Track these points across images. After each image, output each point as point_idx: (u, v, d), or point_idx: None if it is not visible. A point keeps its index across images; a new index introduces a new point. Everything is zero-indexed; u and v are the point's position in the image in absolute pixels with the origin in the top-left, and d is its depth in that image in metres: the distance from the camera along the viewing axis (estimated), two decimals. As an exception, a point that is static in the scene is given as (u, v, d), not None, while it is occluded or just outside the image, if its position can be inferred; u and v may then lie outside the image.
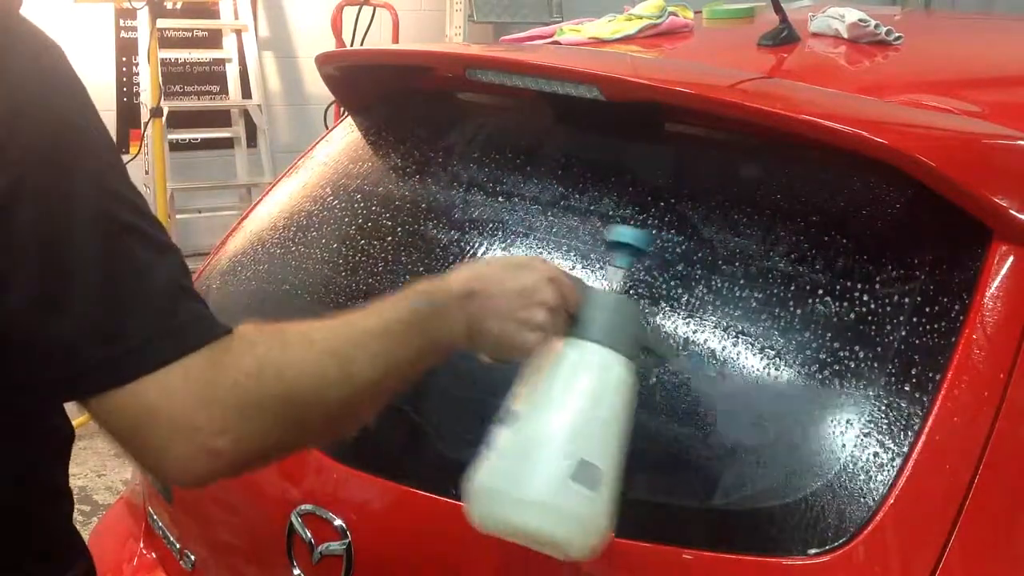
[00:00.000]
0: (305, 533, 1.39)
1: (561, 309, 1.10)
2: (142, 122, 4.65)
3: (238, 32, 5.11)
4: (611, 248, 1.18)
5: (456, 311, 1.07)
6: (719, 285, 1.28)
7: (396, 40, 4.93)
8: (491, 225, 1.51)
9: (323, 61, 1.86)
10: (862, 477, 1.11)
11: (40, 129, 0.88)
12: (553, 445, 1.07)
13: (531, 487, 1.06)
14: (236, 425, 0.90)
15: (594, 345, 1.11)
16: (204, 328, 0.93)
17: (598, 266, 1.37)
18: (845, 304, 1.20)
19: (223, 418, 0.90)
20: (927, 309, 1.17)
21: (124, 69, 4.98)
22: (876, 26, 1.85)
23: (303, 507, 1.40)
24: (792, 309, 1.23)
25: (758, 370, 1.21)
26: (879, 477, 1.10)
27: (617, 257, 1.17)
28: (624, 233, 1.17)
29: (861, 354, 1.17)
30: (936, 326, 1.15)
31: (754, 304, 1.25)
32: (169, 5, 4.96)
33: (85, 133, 0.92)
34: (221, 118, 5.21)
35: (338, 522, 1.36)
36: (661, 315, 1.29)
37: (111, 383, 0.88)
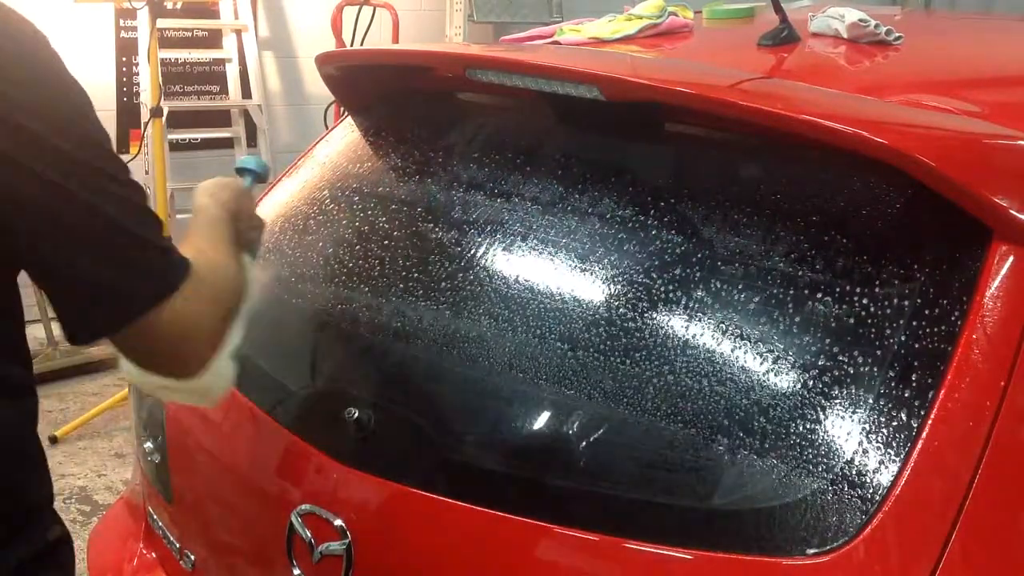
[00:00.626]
0: (305, 533, 1.39)
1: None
2: (142, 122, 4.65)
3: (238, 32, 5.11)
4: (240, 172, 1.55)
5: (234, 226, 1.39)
6: (719, 285, 1.28)
7: (396, 40, 4.93)
8: (491, 225, 1.51)
9: (323, 61, 1.87)
10: (862, 477, 1.11)
11: (41, 106, 1.11)
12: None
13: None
14: (222, 321, 1.20)
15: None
16: (185, 260, 1.18)
17: (598, 266, 1.37)
18: (845, 304, 1.20)
19: (215, 317, 1.19)
20: (927, 309, 1.17)
21: (124, 69, 4.98)
22: (876, 26, 1.85)
23: (303, 507, 1.40)
24: (792, 309, 1.23)
25: (758, 370, 1.21)
26: (879, 477, 1.10)
27: (245, 179, 1.55)
28: (248, 161, 1.58)
29: (861, 354, 1.17)
30: (936, 326, 1.15)
31: (754, 304, 1.25)
32: (169, 5, 4.96)
33: (84, 116, 1.16)
34: (221, 118, 5.21)
35: (338, 522, 1.36)
36: (661, 315, 1.30)
37: (155, 302, 1.12)
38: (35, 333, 4.44)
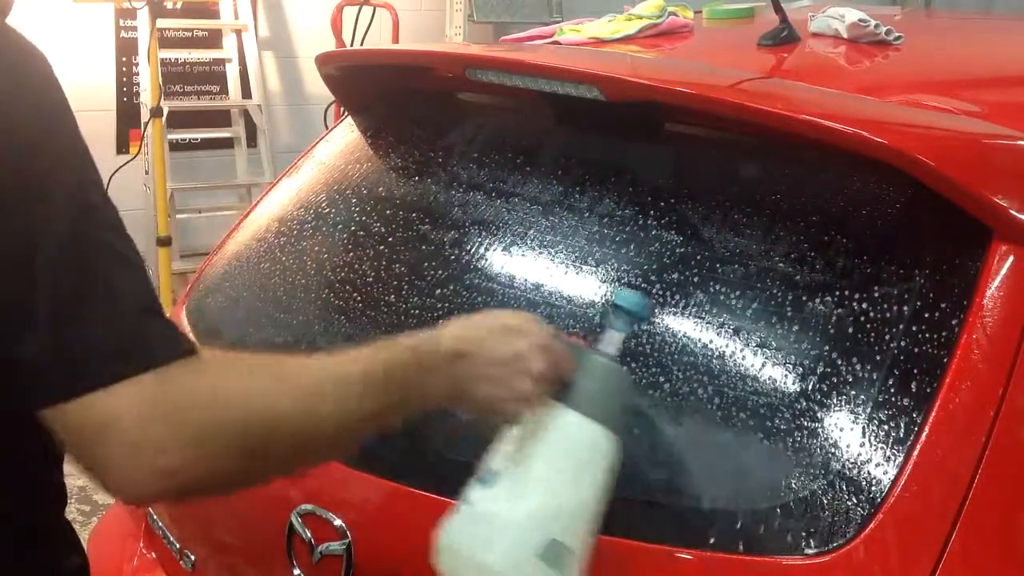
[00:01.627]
0: (305, 533, 1.39)
1: (550, 377, 1.09)
2: (142, 122, 4.65)
3: (238, 32, 5.11)
4: (613, 311, 1.16)
5: (443, 371, 1.06)
6: (719, 285, 1.28)
7: (396, 40, 4.93)
8: (491, 225, 1.51)
9: (323, 61, 1.86)
10: (862, 477, 1.11)
11: (12, 142, 0.88)
12: (525, 518, 1.06)
13: (496, 556, 1.05)
14: (186, 447, 0.89)
15: (580, 417, 1.10)
16: (165, 347, 0.92)
17: (598, 266, 1.37)
18: (845, 304, 1.20)
19: (174, 437, 0.89)
20: (927, 309, 1.17)
21: (124, 69, 4.98)
22: (876, 26, 1.85)
23: (303, 507, 1.40)
24: (792, 309, 1.23)
25: (757, 369, 1.21)
26: (879, 477, 1.10)
27: (616, 321, 1.15)
28: (626, 298, 1.16)
29: (861, 354, 1.17)
30: (936, 326, 1.15)
31: (754, 304, 1.25)
32: (169, 5, 4.96)
33: (60, 143, 0.92)
34: (221, 118, 5.20)
35: (338, 522, 1.36)
36: (660, 315, 1.29)
37: (64, 395, 0.88)
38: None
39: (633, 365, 1.27)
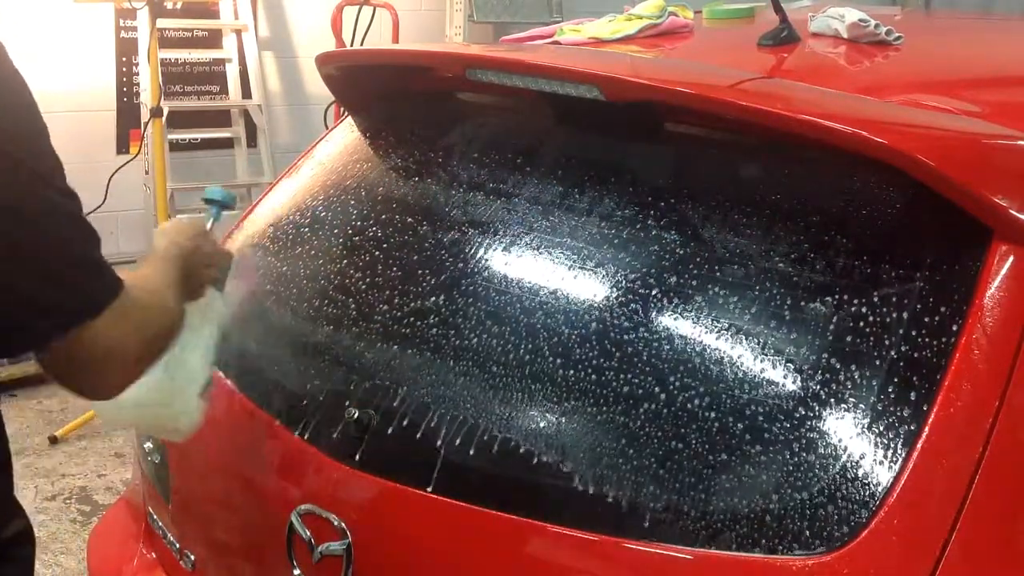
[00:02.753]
0: (305, 533, 1.39)
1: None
2: (142, 122, 4.65)
3: (238, 32, 5.11)
4: (207, 204, 1.62)
5: (178, 268, 1.39)
6: (720, 285, 1.28)
7: (396, 40, 4.93)
8: (491, 225, 1.51)
9: (323, 61, 1.87)
10: (862, 477, 1.11)
11: None
12: (196, 370, 1.48)
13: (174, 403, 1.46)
14: (142, 353, 1.22)
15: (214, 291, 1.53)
16: (115, 282, 1.17)
17: (598, 266, 1.37)
18: (845, 304, 1.20)
19: (137, 351, 1.20)
20: (927, 309, 1.17)
21: (124, 69, 4.98)
22: (876, 26, 1.85)
23: (303, 507, 1.40)
24: (793, 308, 1.23)
25: (757, 369, 1.21)
26: (879, 477, 1.10)
27: (211, 211, 1.61)
28: (214, 192, 1.63)
29: (861, 353, 1.17)
30: (936, 326, 1.15)
31: (755, 304, 1.25)
32: (169, 5, 4.95)
33: (23, 121, 1.11)
34: (221, 118, 5.20)
35: (338, 522, 1.36)
36: (661, 315, 1.30)
37: (80, 319, 1.12)
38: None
39: (633, 365, 1.27)
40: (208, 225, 1.55)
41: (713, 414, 1.20)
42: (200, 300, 1.48)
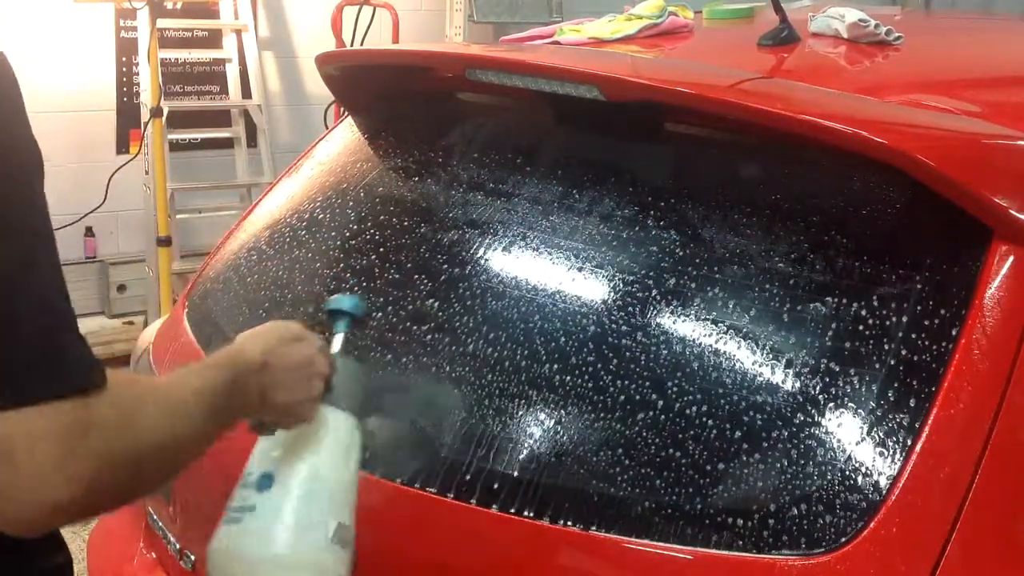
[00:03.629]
0: (305, 533, 1.39)
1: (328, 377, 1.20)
2: (142, 122, 4.64)
3: (238, 32, 5.11)
4: (330, 315, 1.29)
5: (253, 384, 1.11)
6: (720, 285, 1.28)
7: (396, 40, 4.93)
8: (491, 225, 1.51)
9: (323, 61, 1.86)
10: (862, 477, 1.11)
11: None
12: (315, 510, 1.16)
13: (289, 548, 1.14)
14: (88, 480, 0.88)
15: (342, 412, 1.22)
16: (79, 373, 0.89)
17: (597, 266, 1.37)
18: (845, 304, 1.20)
19: (76, 470, 0.87)
20: (927, 309, 1.17)
21: (124, 69, 4.98)
22: (876, 26, 1.85)
23: (303, 507, 1.40)
24: (793, 308, 1.23)
25: (757, 369, 1.21)
26: (879, 477, 1.10)
27: (338, 323, 1.29)
28: (341, 301, 1.29)
29: (861, 353, 1.17)
30: (936, 326, 1.15)
31: (755, 303, 1.25)
32: (169, 5, 4.95)
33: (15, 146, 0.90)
34: (221, 118, 5.20)
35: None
36: (661, 315, 1.29)
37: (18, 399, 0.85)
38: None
39: (633, 365, 1.27)
40: (335, 345, 1.26)
41: (713, 414, 1.20)
42: (311, 423, 1.20)
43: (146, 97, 4.57)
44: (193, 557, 1.67)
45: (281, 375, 1.13)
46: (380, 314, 1.53)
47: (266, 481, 1.18)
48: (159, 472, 0.99)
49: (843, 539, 1.08)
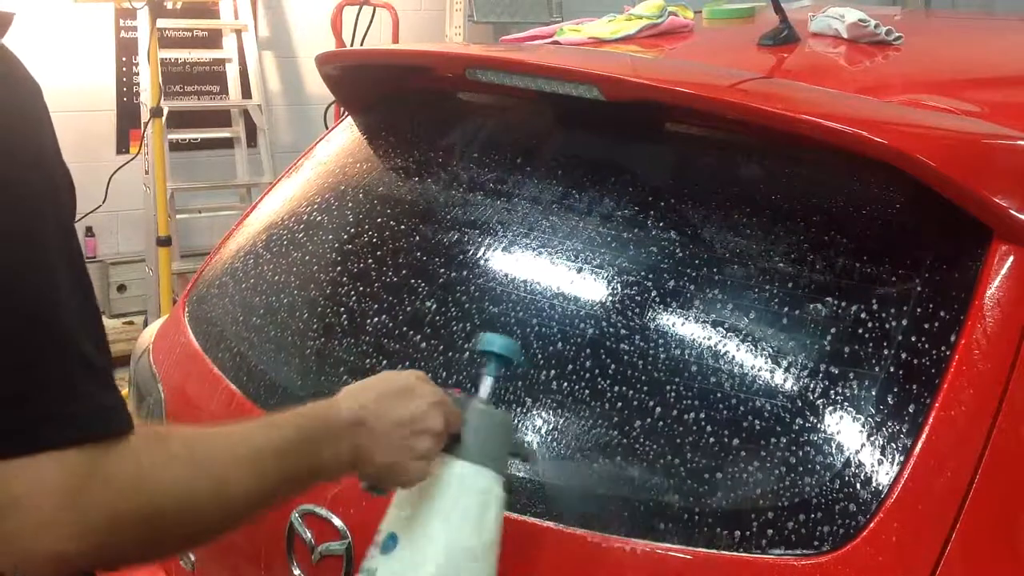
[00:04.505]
0: (305, 533, 1.39)
1: (444, 433, 1.10)
2: (142, 122, 4.65)
3: (238, 32, 5.11)
4: (483, 356, 1.18)
5: (344, 440, 1.05)
6: (720, 285, 1.28)
7: (396, 40, 4.93)
8: (491, 225, 1.50)
9: (323, 61, 1.86)
10: (862, 477, 1.11)
11: None
12: (443, 573, 1.07)
13: None
14: (94, 535, 0.84)
15: (469, 465, 1.11)
16: (100, 421, 0.85)
17: (597, 266, 1.37)
18: (845, 304, 1.20)
19: (82, 524, 0.83)
20: (927, 309, 1.17)
21: (124, 69, 4.98)
22: (876, 26, 1.85)
23: (303, 507, 1.40)
24: (793, 308, 1.23)
25: (757, 369, 1.21)
26: (879, 477, 1.10)
27: (488, 366, 1.17)
28: (492, 342, 1.17)
29: (861, 353, 1.17)
30: (936, 326, 1.15)
31: (755, 303, 1.25)
32: (169, 5, 4.96)
33: (29, 183, 0.85)
34: (221, 118, 5.20)
35: (338, 522, 1.36)
36: (661, 315, 1.29)
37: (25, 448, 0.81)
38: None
39: (633, 365, 1.27)
40: (481, 390, 1.16)
41: (712, 414, 1.20)
42: (437, 480, 1.11)
43: (146, 97, 4.57)
44: (193, 557, 1.67)
45: (379, 434, 1.06)
46: (381, 315, 1.53)
47: (391, 543, 1.10)
48: (190, 533, 0.93)
49: (843, 540, 1.08)
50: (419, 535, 1.09)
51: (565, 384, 1.30)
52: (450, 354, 1.41)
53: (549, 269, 1.42)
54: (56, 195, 0.88)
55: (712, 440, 1.19)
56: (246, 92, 5.16)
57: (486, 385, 1.16)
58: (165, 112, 4.56)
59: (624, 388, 1.26)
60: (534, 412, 1.31)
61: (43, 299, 0.83)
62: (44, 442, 0.81)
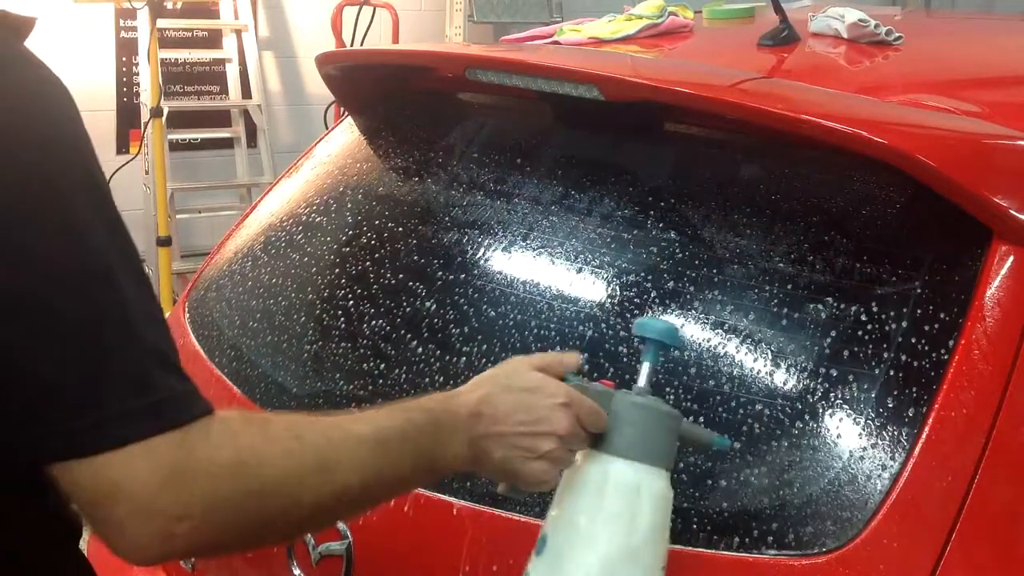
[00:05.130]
0: (305, 533, 1.39)
1: (577, 434, 1.05)
2: (142, 122, 4.65)
3: (238, 32, 5.11)
4: (641, 342, 1.11)
5: (460, 432, 1.03)
6: (720, 285, 1.28)
7: (396, 40, 4.93)
8: (491, 225, 1.51)
9: (323, 61, 1.86)
10: (862, 477, 1.11)
11: (18, 177, 0.83)
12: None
13: None
14: (200, 515, 0.86)
15: (624, 461, 1.05)
16: (181, 408, 0.88)
17: (597, 266, 1.37)
18: (845, 304, 1.20)
19: (187, 505, 0.85)
20: (927, 309, 1.17)
21: (124, 69, 4.98)
22: (876, 26, 1.85)
23: (303, 507, 1.40)
24: (792, 309, 1.23)
25: (757, 369, 1.21)
26: (879, 477, 1.10)
27: (645, 352, 1.10)
28: (650, 327, 1.10)
29: (861, 354, 1.17)
30: (936, 326, 1.15)
31: (754, 304, 1.25)
32: (169, 5, 4.96)
33: (71, 178, 0.87)
34: (221, 118, 5.20)
35: (338, 522, 1.36)
36: (661, 315, 1.29)
37: (72, 453, 0.84)
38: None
39: (633, 364, 1.27)
40: (641, 379, 1.10)
41: (712, 414, 1.20)
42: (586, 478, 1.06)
43: (146, 97, 4.57)
44: (193, 558, 1.67)
45: (498, 427, 1.03)
46: (381, 315, 1.53)
47: (542, 544, 1.05)
48: (297, 518, 0.94)
49: (843, 540, 1.08)
50: (565, 536, 1.04)
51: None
52: (452, 352, 1.42)
53: (549, 269, 1.42)
54: (99, 188, 0.90)
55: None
56: (246, 92, 5.16)
57: (643, 374, 1.09)
58: (165, 112, 4.57)
59: (624, 386, 1.25)
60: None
61: (109, 296, 0.85)
62: (130, 437, 0.83)
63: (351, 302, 1.58)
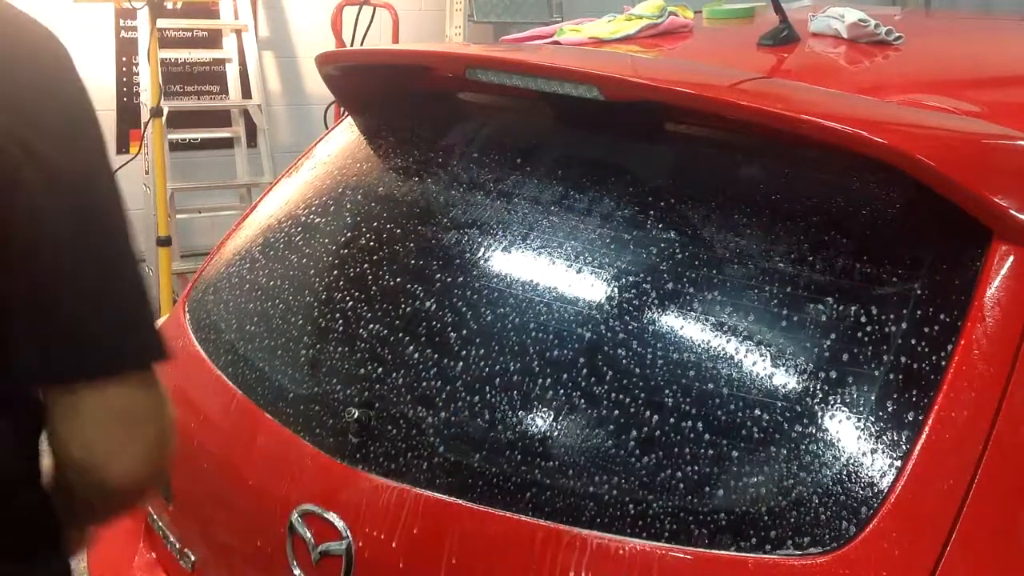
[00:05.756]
0: (305, 533, 1.39)
1: None
2: (142, 122, 4.65)
3: (238, 32, 5.11)
4: None
5: None
6: (720, 285, 1.28)
7: (396, 40, 4.93)
8: (491, 225, 1.51)
9: (323, 61, 1.86)
10: (862, 477, 1.11)
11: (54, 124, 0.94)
12: None
13: None
14: (170, 440, 1.00)
15: None
16: (161, 344, 1.00)
17: (597, 266, 1.37)
18: (845, 304, 1.20)
19: (167, 431, 0.99)
20: (927, 309, 1.17)
21: (124, 69, 4.98)
22: (876, 26, 1.85)
23: (303, 507, 1.40)
24: (792, 309, 1.23)
25: (758, 369, 1.21)
26: (879, 477, 1.10)
27: None
28: None
29: (861, 353, 1.17)
30: (936, 326, 1.15)
31: (755, 304, 1.25)
32: (169, 5, 4.96)
33: (81, 129, 0.97)
34: (221, 118, 5.20)
35: (338, 522, 1.36)
36: (661, 315, 1.29)
37: (82, 376, 0.94)
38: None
39: (633, 365, 1.27)
40: None
41: (712, 414, 1.20)
42: None
43: (146, 97, 4.57)
44: (193, 557, 1.67)
45: None
46: (381, 314, 1.53)
47: None
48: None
49: (843, 540, 1.08)
50: None
51: (566, 385, 1.30)
52: (452, 352, 1.42)
53: (549, 269, 1.42)
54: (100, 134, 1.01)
55: (713, 440, 1.19)
56: (246, 92, 5.16)
57: None
58: (165, 112, 4.56)
59: (624, 389, 1.26)
60: (535, 413, 1.31)
61: (124, 233, 0.98)
62: (135, 362, 0.96)
63: (351, 302, 1.58)
